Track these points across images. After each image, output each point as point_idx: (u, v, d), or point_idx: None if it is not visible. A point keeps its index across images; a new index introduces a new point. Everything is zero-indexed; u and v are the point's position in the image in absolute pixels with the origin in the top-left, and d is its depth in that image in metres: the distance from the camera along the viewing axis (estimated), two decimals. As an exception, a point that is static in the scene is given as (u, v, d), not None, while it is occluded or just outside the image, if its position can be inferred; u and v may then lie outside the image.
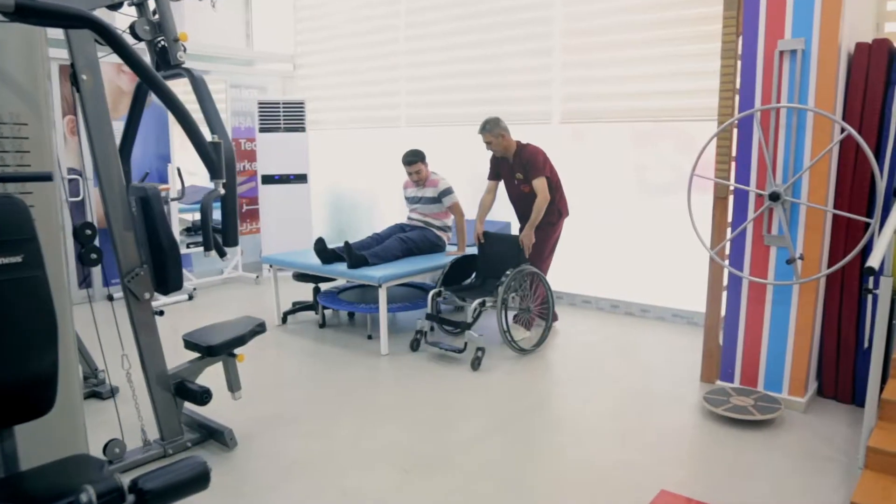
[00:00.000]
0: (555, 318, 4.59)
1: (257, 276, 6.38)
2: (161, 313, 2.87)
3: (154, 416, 2.85)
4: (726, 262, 3.39)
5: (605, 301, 5.20)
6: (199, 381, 2.92)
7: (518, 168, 4.36)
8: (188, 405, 2.99)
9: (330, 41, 6.83)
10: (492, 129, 4.30)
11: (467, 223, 4.86)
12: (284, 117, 6.36)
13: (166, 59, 2.59)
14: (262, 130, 6.32)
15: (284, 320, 4.94)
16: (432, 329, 4.61)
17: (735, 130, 3.34)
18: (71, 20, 1.87)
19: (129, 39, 2.63)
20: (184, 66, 2.57)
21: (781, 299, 3.21)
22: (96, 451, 2.62)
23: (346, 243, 4.38)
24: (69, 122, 5.47)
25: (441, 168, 4.88)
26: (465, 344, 4.07)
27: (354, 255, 4.30)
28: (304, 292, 5.64)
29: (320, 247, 4.46)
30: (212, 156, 2.16)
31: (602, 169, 5.11)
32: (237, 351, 3.02)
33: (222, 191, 2.26)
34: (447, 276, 4.49)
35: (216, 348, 2.89)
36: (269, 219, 6.43)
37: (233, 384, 3.06)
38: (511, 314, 4.34)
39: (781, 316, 3.22)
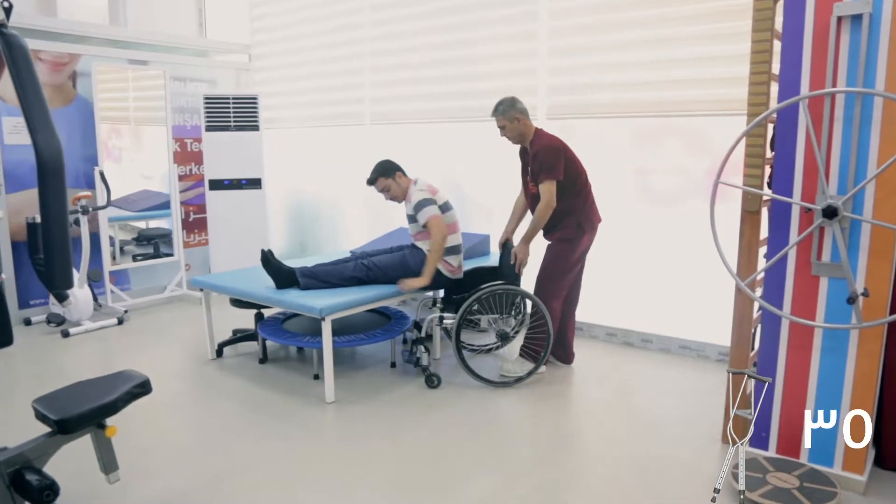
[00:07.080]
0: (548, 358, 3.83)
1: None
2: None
3: (-20, 518, 2.06)
4: (759, 292, 2.64)
5: (599, 328, 4.44)
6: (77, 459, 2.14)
7: (529, 161, 3.63)
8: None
9: (289, 28, 6.04)
10: (505, 112, 3.58)
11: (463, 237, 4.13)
12: (235, 114, 5.59)
13: (-22, 19, 1.80)
14: (209, 129, 5.54)
15: (220, 353, 4.14)
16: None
17: (770, 126, 2.59)
18: None
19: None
20: (2, 28, 1.78)
21: (834, 346, 2.44)
22: None
23: (263, 252, 3.66)
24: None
25: (411, 170, 4.01)
26: (417, 359, 3.67)
27: (278, 268, 3.61)
28: (248, 317, 4.85)
29: (265, 258, 3.70)
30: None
31: (595, 172, 4.32)
32: (109, 421, 2.24)
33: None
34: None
35: (70, 422, 2.09)
36: (219, 230, 5.66)
37: (106, 465, 2.27)
38: (517, 344, 3.84)
39: (834, 368, 2.45)
